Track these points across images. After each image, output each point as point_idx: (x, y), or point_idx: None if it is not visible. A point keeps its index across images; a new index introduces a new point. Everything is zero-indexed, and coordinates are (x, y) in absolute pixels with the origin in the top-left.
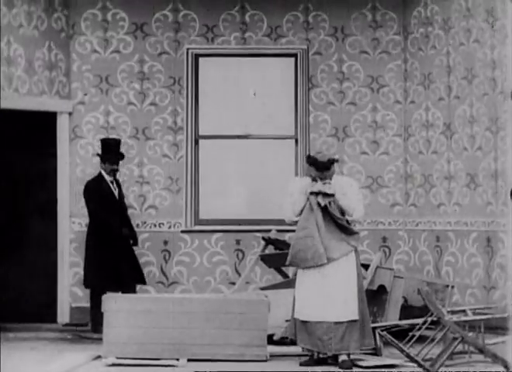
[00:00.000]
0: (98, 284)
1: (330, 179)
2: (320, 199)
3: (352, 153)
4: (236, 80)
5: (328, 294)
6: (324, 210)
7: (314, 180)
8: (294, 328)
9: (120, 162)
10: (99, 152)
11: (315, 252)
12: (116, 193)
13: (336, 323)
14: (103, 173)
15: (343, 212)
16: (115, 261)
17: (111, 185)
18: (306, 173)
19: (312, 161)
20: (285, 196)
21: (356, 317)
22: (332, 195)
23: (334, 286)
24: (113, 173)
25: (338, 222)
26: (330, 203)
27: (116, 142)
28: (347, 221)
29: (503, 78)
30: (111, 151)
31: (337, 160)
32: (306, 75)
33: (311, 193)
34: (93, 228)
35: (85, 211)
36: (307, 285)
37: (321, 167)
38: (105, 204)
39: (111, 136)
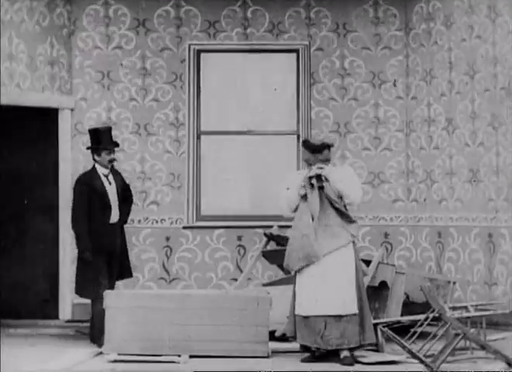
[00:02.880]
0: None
1: (326, 164)
2: (313, 181)
3: (354, 149)
4: (238, 76)
5: (327, 288)
6: (320, 196)
7: (310, 165)
8: (293, 326)
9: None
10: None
11: (309, 251)
12: (113, 187)
13: (336, 317)
14: (97, 166)
15: (341, 198)
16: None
17: (105, 180)
18: (302, 158)
19: (305, 143)
20: (281, 190)
21: (355, 311)
22: (326, 180)
23: (333, 280)
24: (111, 164)
25: (335, 207)
26: (323, 187)
27: (108, 129)
28: (345, 207)
29: (504, 74)
30: (104, 139)
31: (331, 145)
32: (307, 71)
33: (309, 178)
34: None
35: None
36: (307, 280)
37: (313, 149)
38: (95, 204)
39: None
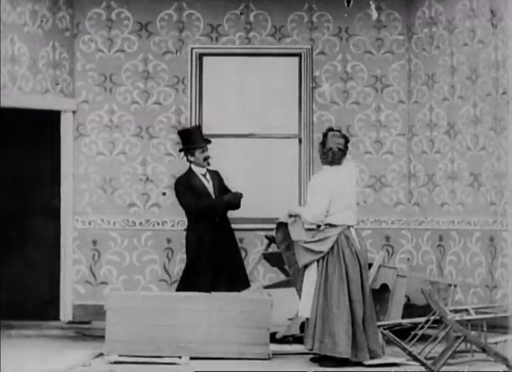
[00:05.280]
0: None
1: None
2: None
3: (356, 153)
4: (240, 80)
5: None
6: None
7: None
8: None
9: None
10: (180, 151)
11: None
12: (211, 186)
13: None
14: (193, 167)
15: None
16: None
17: (203, 179)
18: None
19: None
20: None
21: (306, 315)
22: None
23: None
24: (206, 162)
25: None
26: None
27: (197, 128)
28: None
29: (506, 78)
30: (195, 138)
31: (322, 141)
32: (310, 75)
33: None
34: (191, 225)
35: (88, 209)
36: None
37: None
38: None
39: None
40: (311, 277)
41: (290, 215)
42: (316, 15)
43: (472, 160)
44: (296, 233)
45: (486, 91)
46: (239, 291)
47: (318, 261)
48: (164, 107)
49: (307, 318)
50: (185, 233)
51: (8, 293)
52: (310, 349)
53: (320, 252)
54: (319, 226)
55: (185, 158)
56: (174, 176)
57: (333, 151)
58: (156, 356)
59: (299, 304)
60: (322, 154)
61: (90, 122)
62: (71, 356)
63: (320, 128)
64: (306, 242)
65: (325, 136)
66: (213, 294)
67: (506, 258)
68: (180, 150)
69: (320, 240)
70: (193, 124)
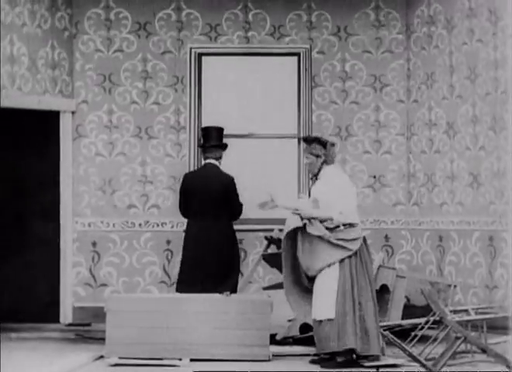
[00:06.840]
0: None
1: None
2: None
3: (355, 152)
4: (239, 80)
5: (314, 294)
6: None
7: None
8: None
9: None
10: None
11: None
12: None
13: (315, 322)
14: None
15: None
16: None
17: None
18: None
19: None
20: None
21: (331, 316)
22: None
23: (317, 288)
24: None
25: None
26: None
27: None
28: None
29: (505, 78)
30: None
31: (323, 141)
32: (308, 74)
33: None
34: (227, 222)
35: (88, 211)
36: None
37: (304, 140)
38: None
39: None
40: (332, 277)
41: (301, 218)
42: (314, 15)
43: (471, 160)
44: (318, 230)
45: (486, 90)
46: None
47: (342, 261)
48: (163, 107)
49: (321, 320)
50: (182, 234)
51: (8, 295)
52: (354, 349)
53: (351, 250)
54: (337, 227)
55: (183, 159)
56: (173, 177)
57: (334, 144)
58: (156, 358)
59: (319, 305)
60: (329, 154)
61: (89, 122)
62: (71, 359)
63: (319, 127)
64: (338, 240)
65: (318, 140)
66: (214, 295)
67: (506, 258)
68: (224, 146)
69: (352, 240)
70: (192, 124)
